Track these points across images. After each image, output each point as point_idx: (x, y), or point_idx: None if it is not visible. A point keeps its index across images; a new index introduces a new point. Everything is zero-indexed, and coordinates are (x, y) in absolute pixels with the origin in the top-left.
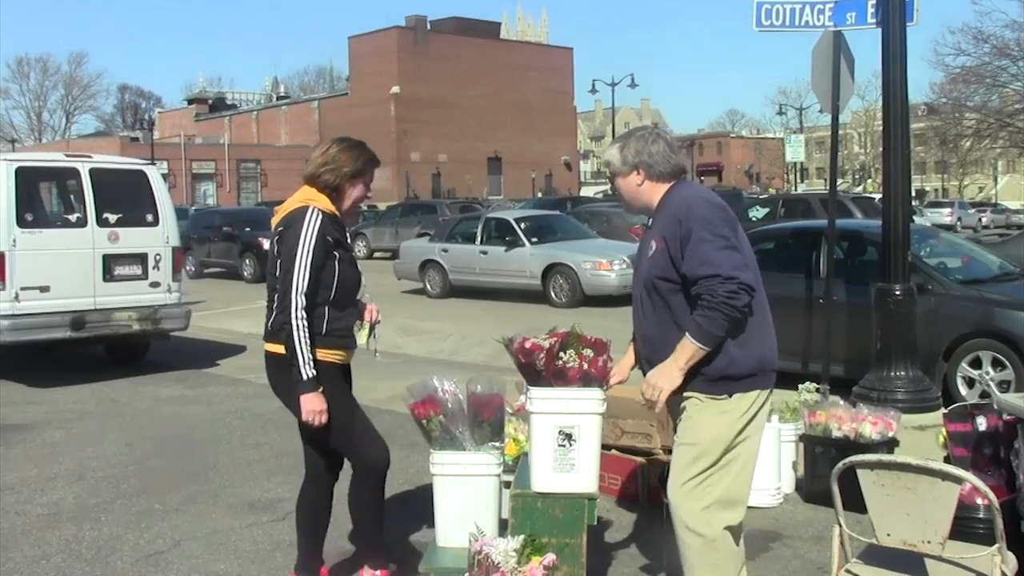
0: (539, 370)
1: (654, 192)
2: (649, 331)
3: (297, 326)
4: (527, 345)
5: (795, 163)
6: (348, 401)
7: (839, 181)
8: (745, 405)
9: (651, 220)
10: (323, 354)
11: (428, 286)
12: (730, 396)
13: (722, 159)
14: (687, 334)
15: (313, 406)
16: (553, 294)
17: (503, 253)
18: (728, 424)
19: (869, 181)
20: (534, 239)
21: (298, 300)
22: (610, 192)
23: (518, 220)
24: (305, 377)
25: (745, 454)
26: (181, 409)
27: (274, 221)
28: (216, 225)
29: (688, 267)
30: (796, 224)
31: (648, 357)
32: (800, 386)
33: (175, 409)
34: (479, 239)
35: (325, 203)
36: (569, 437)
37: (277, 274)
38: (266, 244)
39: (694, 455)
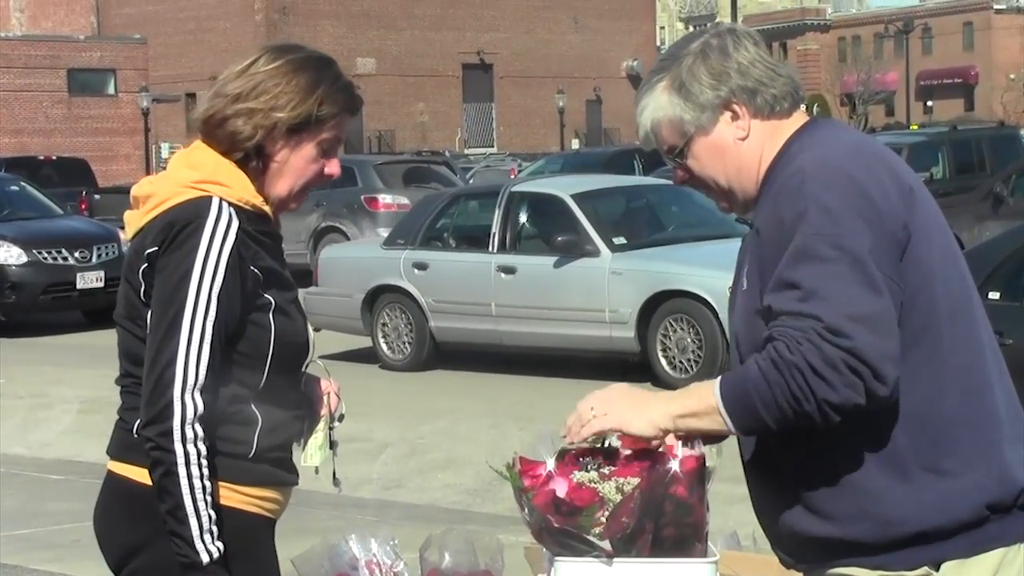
0: (590, 535)
1: (771, 141)
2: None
3: (186, 455)
4: (561, 491)
5: None
6: None
7: None
8: None
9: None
10: (245, 501)
11: (383, 345)
12: (936, 569)
13: (975, 61)
14: (720, 377)
15: None
16: (664, 358)
17: (551, 270)
18: None
19: None
20: (619, 238)
21: (188, 402)
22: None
23: (582, 198)
24: (204, 559)
25: None
26: None
27: (128, 231)
28: None
29: (772, 291)
30: None
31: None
32: None
33: None
34: (494, 240)
35: (240, 189)
36: None
37: (135, 334)
38: None
39: None
